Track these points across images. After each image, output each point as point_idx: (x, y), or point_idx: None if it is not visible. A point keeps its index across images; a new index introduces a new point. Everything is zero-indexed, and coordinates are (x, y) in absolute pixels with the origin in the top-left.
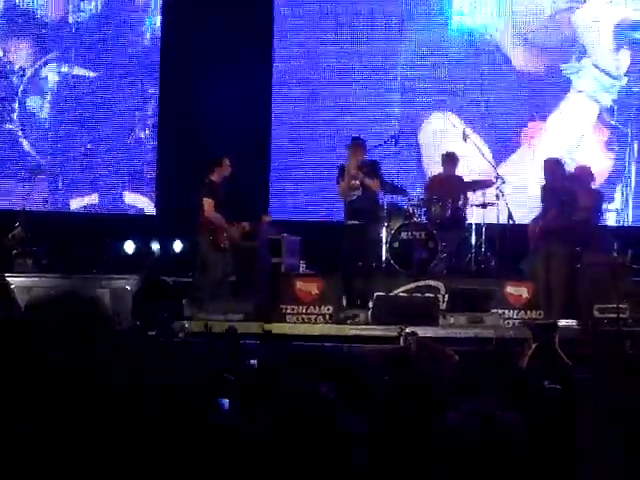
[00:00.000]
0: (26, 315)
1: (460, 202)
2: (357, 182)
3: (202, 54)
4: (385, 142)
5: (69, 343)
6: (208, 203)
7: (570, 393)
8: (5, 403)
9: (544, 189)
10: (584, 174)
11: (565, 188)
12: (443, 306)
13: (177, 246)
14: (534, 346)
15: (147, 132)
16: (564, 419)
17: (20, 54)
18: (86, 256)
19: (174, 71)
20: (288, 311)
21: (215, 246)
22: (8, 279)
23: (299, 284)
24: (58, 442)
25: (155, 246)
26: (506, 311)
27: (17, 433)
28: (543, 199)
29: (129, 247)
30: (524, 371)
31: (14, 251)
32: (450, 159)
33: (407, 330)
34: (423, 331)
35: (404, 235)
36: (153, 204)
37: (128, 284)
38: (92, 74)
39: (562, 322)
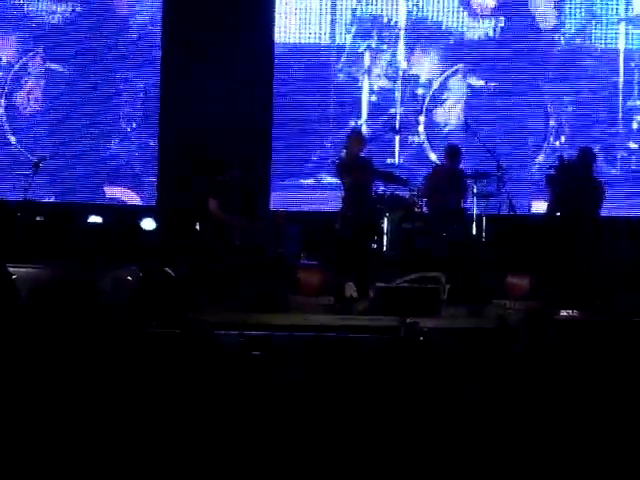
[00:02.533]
0: (28, 305)
1: (462, 193)
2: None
3: (202, 46)
4: (385, 131)
5: (70, 331)
6: (213, 203)
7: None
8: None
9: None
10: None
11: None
12: (444, 297)
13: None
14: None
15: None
16: None
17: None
18: (87, 246)
19: (173, 64)
20: (291, 301)
21: (227, 243)
22: (10, 269)
23: (301, 274)
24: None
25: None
26: (508, 302)
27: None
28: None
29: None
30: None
31: (16, 240)
32: (452, 151)
33: (408, 320)
34: (424, 322)
35: (405, 225)
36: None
37: (130, 274)
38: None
39: (564, 313)
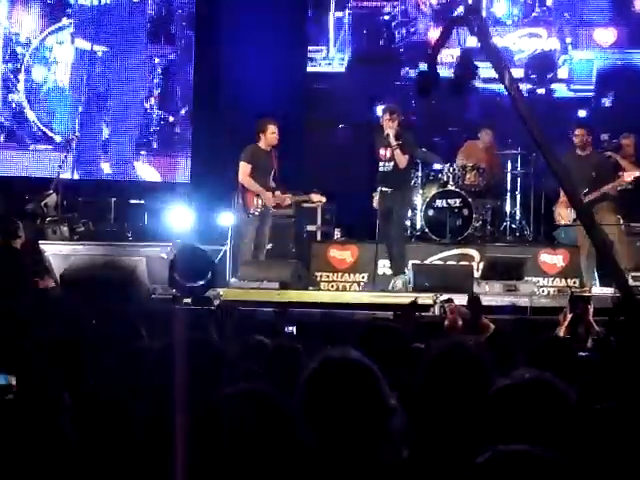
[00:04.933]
0: (63, 283)
1: (495, 169)
2: (389, 154)
3: (235, 23)
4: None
5: (106, 309)
6: (243, 167)
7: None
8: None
9: (579, 158)
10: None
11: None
12: (477, 274)
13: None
14: (570, 316)
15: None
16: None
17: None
18: (121, 224)
19: (207, 40)
20: (322, 279)
21: (245, 211)
22: (43, 246)
23: (333, 252)
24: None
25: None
26: (540, 279)
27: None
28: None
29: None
30: (562, 340)
31: (47, 219)
32: (487, 129)
33: (442, 298)
34: (458, 299)
35: (439, 203)
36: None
37: (164, 252)
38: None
39: (596, 289)
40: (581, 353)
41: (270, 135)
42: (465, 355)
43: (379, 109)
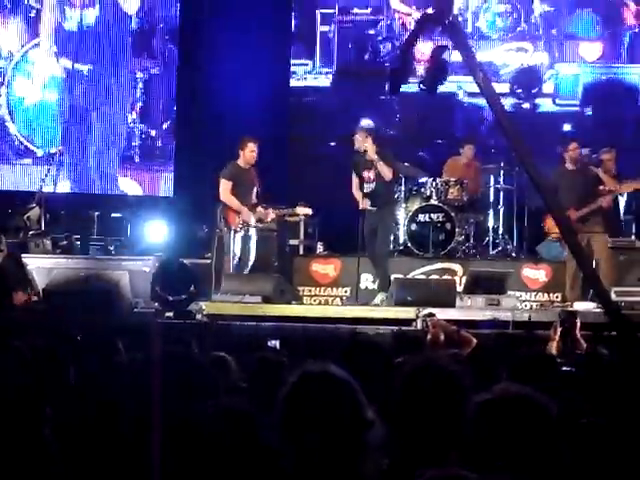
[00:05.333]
0: (46, 297)
1: (478, 184)
2: (372, 175)
3: (218, 37)
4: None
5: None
6: (224, 184)
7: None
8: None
9: (573, 173)
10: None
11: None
12: (460, 288)
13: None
14: (559, 331)
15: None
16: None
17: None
18: (104, 237)
19: (190, 54)
20: (305, 293)
21: (227, 227)
22: (25, 260)
23: (316, 266)
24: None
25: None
26: (523, 293)
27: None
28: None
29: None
30: (554, 357)
31: (30, 232)
32: (470, 143)
33: (424, 312)
34: (440, 313)
35: (422, 217)
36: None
37: (146, 266)
38: (82, 66)
39: (580, 305)
40: (566, 368)
41: (249, 153)
42: (440, 371)
43: (363, 122)
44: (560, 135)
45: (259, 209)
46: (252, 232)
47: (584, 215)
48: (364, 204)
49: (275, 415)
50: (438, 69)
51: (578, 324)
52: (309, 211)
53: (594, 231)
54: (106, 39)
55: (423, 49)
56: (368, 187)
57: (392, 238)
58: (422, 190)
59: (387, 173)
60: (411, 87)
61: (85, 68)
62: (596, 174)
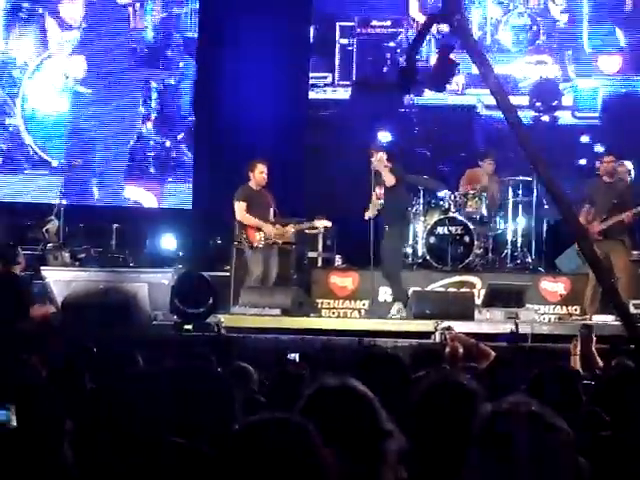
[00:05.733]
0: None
1: (496, 197)
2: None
3: (236, 49)
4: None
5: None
6: (239, 205)
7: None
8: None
9: (608, 185)
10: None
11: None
12: (479, 301)
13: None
14: (580, 346)
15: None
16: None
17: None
18: (123, 250)
19: (207, 66)
20: (324, 305)
21: (249, 245)
22: (44, 272)
23: (334, 278)
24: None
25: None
26: (542, 306)
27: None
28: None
29: (167, 242)
30: (575, 372)
31: (48, 245)
32: (488, 157)
33: (443, 325)
34: (459, 326)
35: (440, 230)
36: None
37: (165, 278)
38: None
39: (598, 317)
40: (586, 381)
41: (259, 175)
42: (456, 389)
43: (381, 135)
44: (579, 147)
45: (277, 227)
46: (274, 248)
47: (606, 228)
48: (368, 213)
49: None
50: (445, 68)
51: (594, 339)
52: (328, 224)
53: (614, 244)
54: (120, 49)
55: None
56: (379, 204)
57: (411, 251)
58: (441, 203)
59: (389, 179)
60: (430, 100)
61: (98, 80)
62: (629, 187)
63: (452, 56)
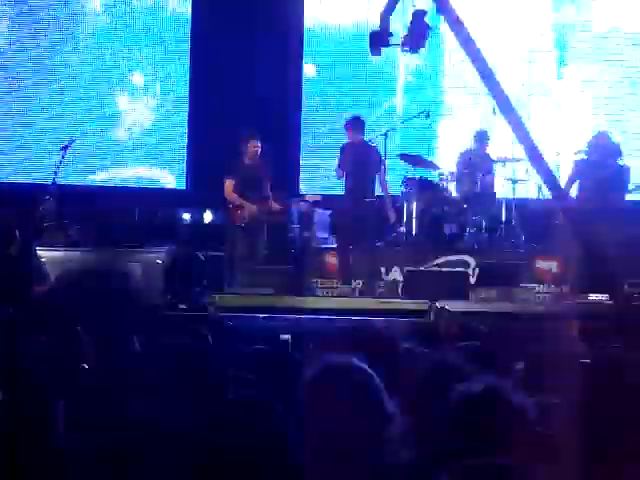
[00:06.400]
0: (57, 289)
1: (490, 177)
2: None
3: (232, 27)
4: (416, 115)
5: (100, 317)
6: (227, 184)
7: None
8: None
9: (587, 164)
10: (617, 150)
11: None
12: (473, 280)
13: (208, 217)
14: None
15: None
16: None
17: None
18: (117, 229)
19: (204, 44)
20: (318, 285)
21: (233, 224)
22: (39, 252)
23: (329, 258)
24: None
25: (186, 216)
26: (536, 286)
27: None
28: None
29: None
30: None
31: (45, 224)
32: (480, 136)
33: (437, 304)
34: (453, 305)
35: (434, 209)
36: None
37: (159, 258)
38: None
39: (592, 297)
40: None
41: (251, 148)
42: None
43: None
44: None
45: (264, 203)
46: (261, 227)
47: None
48: None
49: (295, 406)
50: (420, 31)
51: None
52: (317, 197)
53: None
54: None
55: None
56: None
57: (402, 231)
58: (434, 183)
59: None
60: None
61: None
62: None
63: (426, 19)
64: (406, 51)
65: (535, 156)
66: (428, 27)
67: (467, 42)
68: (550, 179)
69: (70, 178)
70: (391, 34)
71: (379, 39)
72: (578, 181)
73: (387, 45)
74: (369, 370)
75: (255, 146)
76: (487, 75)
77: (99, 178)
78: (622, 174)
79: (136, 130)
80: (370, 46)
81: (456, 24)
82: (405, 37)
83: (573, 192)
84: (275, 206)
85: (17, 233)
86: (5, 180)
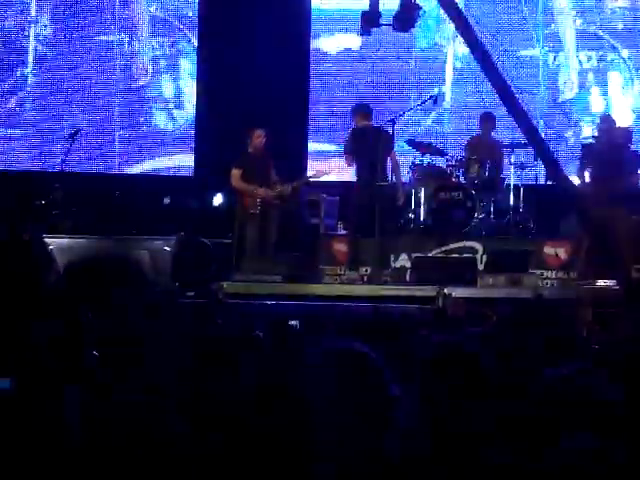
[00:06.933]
0: (66, 276)
1: (498, 162)
2: None
3: (241, 13)
4: (424, 102)
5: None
6: (234, 174)
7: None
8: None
9: (596, 148)
10: (627, 134)
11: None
12: (481, 266)
13: (217, 200)
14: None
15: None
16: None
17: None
18: (125, 217)
19: (213, 29)
20: (326, 272)
21: (245, 212)
22: (47, 240)
23: (338, 245)
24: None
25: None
26: (544, 271)
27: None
28: (592, 158)
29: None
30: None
31: (53, 212)
32: (488, 120)
33: (445, 291)
34: (461, 291)
35: (442, 195)
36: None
37: (167, 245)
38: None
39: (600, 282)
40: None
41: (256, 139)
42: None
43: None
44: None
45: (277, 187)
46: (273, 214)
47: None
48: None
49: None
50: (410, 11)
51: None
52: (329, 172)
53: (618, 208)
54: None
55: None
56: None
57: (412, 216)
58: (442, 168)
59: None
60: None
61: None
62: None
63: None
64: (396, 30)
65: (537, 140)
66: (418, 7)
67: (464, 29)
68: (551, 164)
69: (79, 166)
70: (380, 14)
71: (369, 19)
72: (588, 165)
73: (378, 25)
74: (371, 353)
75: (260, 136)
76: (484, 60)
77: (109, 165)
78: (632, 158)
79: (142, 116)
80: (360, 26)
81: (451, 9)
82: (395, 16)
83: (584, 177)
84: (287, 188)
85: (29, 220)
86: (13, 168)
